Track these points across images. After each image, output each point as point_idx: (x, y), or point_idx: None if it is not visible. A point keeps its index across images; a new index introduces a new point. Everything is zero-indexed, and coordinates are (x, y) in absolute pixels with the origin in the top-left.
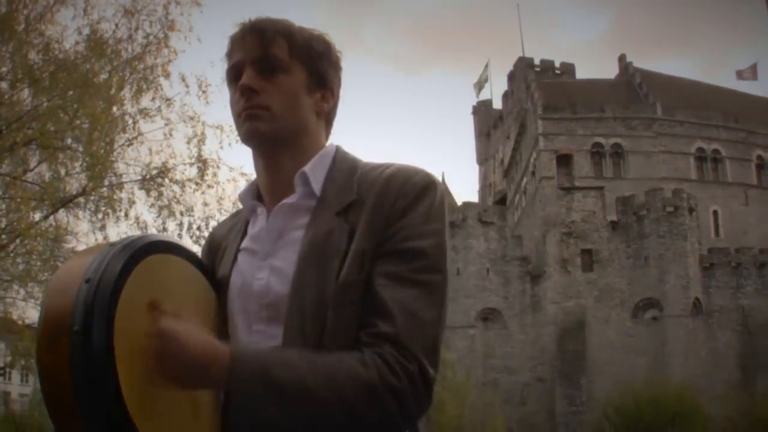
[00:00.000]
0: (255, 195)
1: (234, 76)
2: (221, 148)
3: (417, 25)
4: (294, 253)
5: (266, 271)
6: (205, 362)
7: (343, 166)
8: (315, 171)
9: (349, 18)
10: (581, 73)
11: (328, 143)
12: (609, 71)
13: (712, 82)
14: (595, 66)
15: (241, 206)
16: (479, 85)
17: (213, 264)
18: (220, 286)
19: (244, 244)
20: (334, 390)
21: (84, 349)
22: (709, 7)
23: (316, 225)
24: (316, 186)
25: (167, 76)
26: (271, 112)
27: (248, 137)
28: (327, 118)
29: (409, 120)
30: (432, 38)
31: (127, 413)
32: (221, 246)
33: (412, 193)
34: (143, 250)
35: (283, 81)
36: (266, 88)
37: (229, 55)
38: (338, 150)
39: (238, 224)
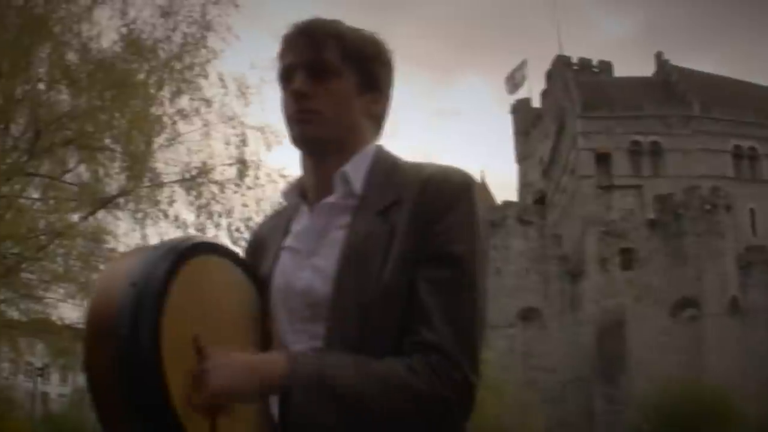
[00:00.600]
0: (299, 193)
1: (286, 77)
2: (268, 150)
3: (450, 26)
4: (336, 252)
5: (308, 271)
6: (256, 380)
7: (384, 164)
8: (355, 170)
9: (378, 19)
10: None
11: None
12: (638, 69)
13: (745, 79)
14: (624, 64)
15: (283, 203)
16: (512, 81)
17: (256, 262)
18: (262, 285)
19: (287, 242)
20: (386, 397)
21: (132, 352)
22: (740, 3)
23: (357, 225)
24: (357, 185)
25: (206, 76)
26: (322, 117)
27: (298, 141)
28: (377, 120)
29: (445, 120)
30: (466, 39)
31: (176, 416)
32: (265, 244)
33: (451, 194)
34: (187, 253)
35: (334, 85)
36: (318, 92)
37: (281, 56)
38: (378, 148)
39: (280, 222)
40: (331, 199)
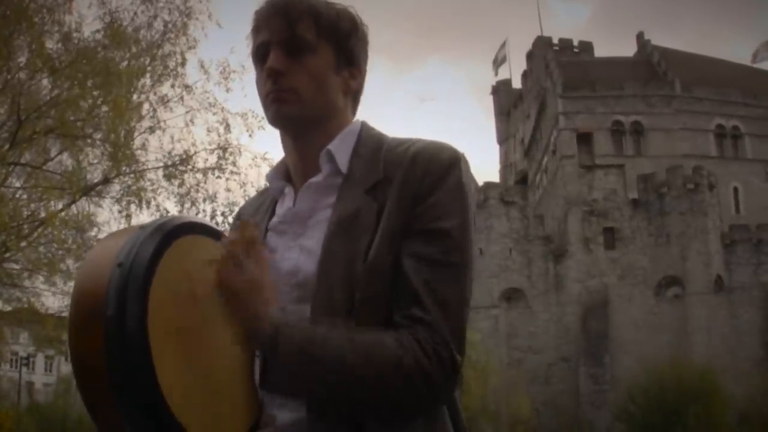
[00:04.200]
0: (283, 174)
1: (260, 55)
2: (250, 136)
3: (426, 11)
4: (323, 232)
5: (296, 251)
6: (256, 306)
7: (369, 142)
8: (340, 148)
9: (350, 2)
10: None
11: (354, 119)
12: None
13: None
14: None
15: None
16: (496, 63)
17: None
18: None
19: (273, 224)
20: (371, 368)
21: (118, 333)
22: None
23: (343, 203)
24: (342, 163)
25: (183, 63)
26: (298, 95)
27: (275, 120)
28: (354, 96)
29: (423, 104)
30: (444, 24)
31: (162, 397)
32: None
33: (439, 171)
34: (174, 232)
35: (310, 62)
36: (293, 70)
37: (255, 32)
38: (363, 126)
39: (265, 203)
40: (316, 178)
